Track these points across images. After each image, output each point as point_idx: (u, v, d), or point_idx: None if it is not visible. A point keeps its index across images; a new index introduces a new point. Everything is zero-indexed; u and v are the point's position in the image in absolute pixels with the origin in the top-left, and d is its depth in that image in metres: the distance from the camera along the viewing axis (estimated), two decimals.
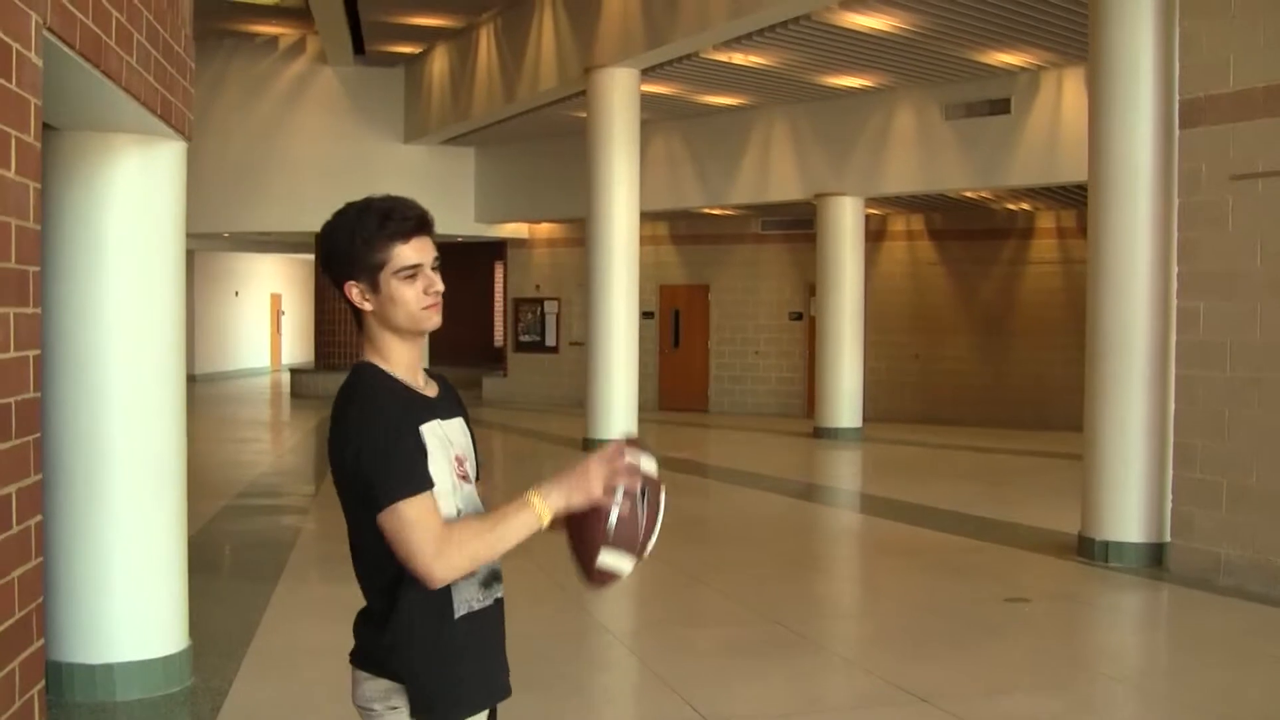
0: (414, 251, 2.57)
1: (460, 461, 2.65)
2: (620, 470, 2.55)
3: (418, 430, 2.55)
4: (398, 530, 2.46)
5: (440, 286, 2.61)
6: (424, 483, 2.50)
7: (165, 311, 5.96)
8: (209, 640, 6.59)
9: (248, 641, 6.96)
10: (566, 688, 6.38)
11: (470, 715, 2.65)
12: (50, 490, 5.39)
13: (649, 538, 2.61)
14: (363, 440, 2.50)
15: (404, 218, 2.57)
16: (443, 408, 2.69)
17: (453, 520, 2.54)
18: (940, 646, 7.18)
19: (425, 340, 2.71)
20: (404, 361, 2.65)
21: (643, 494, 2.57)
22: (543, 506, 2.52)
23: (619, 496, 2.54)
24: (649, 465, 2.60)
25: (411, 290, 2.58)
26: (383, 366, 2.63)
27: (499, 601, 2.70)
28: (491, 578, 2.68)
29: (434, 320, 2.61)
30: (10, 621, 3.55)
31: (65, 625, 5.76)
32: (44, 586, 3.97)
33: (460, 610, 2.61)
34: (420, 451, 2.53)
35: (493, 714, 2.77)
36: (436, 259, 2.61)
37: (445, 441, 2.61)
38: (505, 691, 2.74)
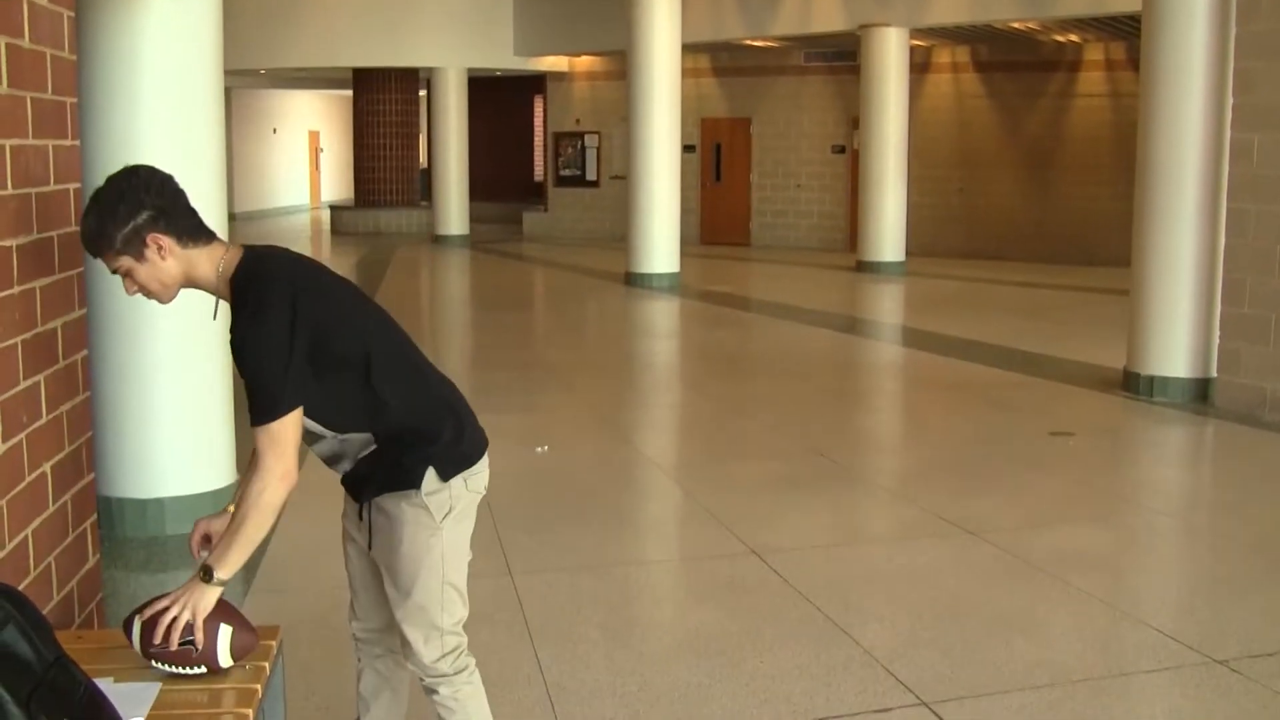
0: None
1: None
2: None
3: None
4: None
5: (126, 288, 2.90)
6: None
7: (205, 142, 5.89)
8: None
9: None
10: (615, 518, 6.45)
11: None
12: (95, 327, 5.41)
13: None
14: None
15: None
16: None
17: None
18: (985, 479, 7.19)
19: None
20: None
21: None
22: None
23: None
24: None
25: None
26: None
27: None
28: (332, 459, 3.17)
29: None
30: (61, 455, 3.58)
31: (115, 461, 5.85)
32: (92, 422, 3.99)
33: None
34: None
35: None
36: (115, 270, 2.85)
37: None
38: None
